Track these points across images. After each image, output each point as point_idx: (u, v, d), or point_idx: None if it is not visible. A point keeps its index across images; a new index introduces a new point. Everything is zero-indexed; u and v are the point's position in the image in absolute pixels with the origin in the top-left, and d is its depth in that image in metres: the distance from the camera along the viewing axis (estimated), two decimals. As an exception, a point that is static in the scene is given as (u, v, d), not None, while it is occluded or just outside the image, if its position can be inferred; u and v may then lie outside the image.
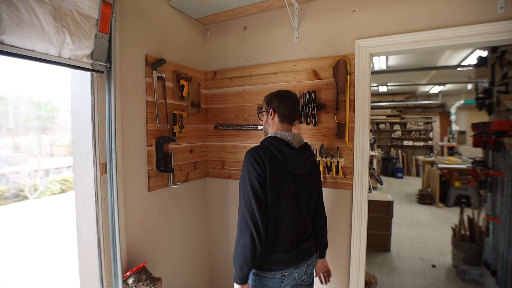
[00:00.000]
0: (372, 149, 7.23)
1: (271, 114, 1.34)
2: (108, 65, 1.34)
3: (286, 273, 1.23)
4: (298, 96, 1.79)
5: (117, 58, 1.41)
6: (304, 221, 1.30)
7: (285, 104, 1.31)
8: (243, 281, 1.17)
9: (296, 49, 1.86)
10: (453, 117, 7.82)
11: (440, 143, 8.38)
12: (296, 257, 1.25)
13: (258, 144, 1.29)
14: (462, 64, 5.02)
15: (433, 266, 3.11)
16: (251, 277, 1.23)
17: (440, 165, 5.51)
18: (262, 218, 1.14)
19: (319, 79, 1.78)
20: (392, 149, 9.65)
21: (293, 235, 1.24)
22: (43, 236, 4.47)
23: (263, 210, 1.15)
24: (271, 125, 1.36)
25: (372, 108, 7.18)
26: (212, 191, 2.23)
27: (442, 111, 8.82)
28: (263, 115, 1.40)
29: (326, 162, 1.75)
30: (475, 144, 2.71)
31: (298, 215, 1.27)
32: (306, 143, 1.37)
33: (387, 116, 9.56)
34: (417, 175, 9.04)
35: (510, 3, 1.34)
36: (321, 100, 1.78)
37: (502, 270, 2.32)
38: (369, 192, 1.76)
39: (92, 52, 1.26)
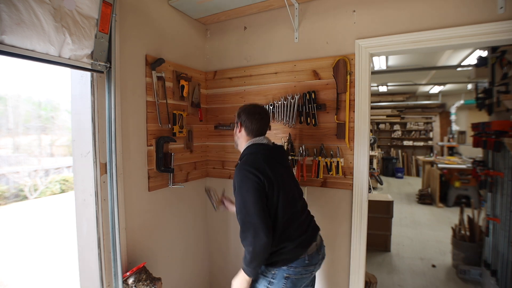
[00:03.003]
0: (372, 149, 7.23)
1: (238, 126, 1.42)
2: (108, 65, 1.33)
3: (314, 271, 1.32)
4: (298, 96, 1.80)
5: (117, 58, 1.41)
6: (302, 207, 1.40)
7: (251, 120, 1.37)
8: (254, 276, 1.24)
9: (296, 49, 1.86)
10: (453, 117, 7.82)
11: (440, 143, 8.38)
12: (307, 237, 1.31)
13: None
14: (462, 64, 5.01)
15: (433, 266, 3.11)
16: (282, 281, 1.24)
17: (440, 165, 5.51)
18: (269, 224, 1.18)
19: (319, 79, 1.78)
20: (392, 149, 9.65)
21: (301, 222, 1.32)
22: (43, 236, 4.47)
23: (268, 216, 1.19)
24: (239, 138, 1.44)
25: (372, 108, 7.19)
26: (212, 191, 2.23)
27: (442, 111, 8.82)
28: (235, 126, 1.47)
29: (326, 162, 1.75)
30: (475, 144, 2.71)
31: (296, 200, 1.35)
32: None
33: (387, 116, 9.55)
34: (417, 175, 9.04)
35: (510, 3, 1.34)
36: (321, 100, 1.78)
37: (502, 270, 2.32)
38: (369, 192, 1.76)
39: (92, 52, 1.26)
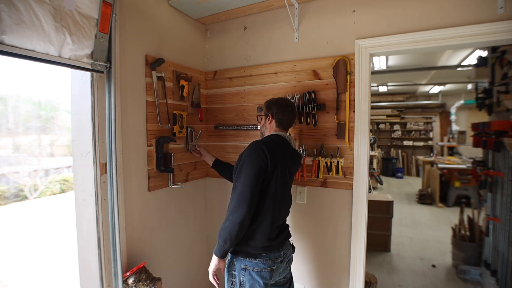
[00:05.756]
0: (372, 149, 7.23)
1: (269, 119, 1.48)
2: (108, 65, 1.33)
3: (274, 267, 1.31)
4: (298, 96, 1.80)
5: (117, 58, 1.41)
6: (287, 211, 1.45)
7: (283, 112, 1.45)
8: (223, 255, 1.25)
9: (296, 49, 1.86)
10: (453, 117, 7.82)
11: (440, 143, 8.39)
12: (281, 240, 1.37)
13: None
14: (462, 64, 5.02)
15: (433, 266, 3.11)
16: (240, 272, 1.29)
17: (440, 165, 5.51)
18: (255, 203, 1.23)
19: (319, 79, 1.78)
20: (392, 149, 9.65)
21: (279, 223, 1.37)
22: (43, 236, 4.47)
23: (257, 198, 1.24)
24: (268, 129, 1.50)
25: (372, 108, 7.19)
26: (212, 191, 2.23)
27: (442, 111, 8.82)
28: (261, 118, 1.53)
29: (326, 162, 1.75)
30: (475, 144, 2.71)
31: (285, 206, 1.42)
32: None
33: (387, 116, 9.56)
34: (417, 175, 9.04)
35: (510, 3, 1.34)
36: (321, 100, 1.78)
37: (502, 270, 2.32)
38: (369, 192, 1.76)
39: (92, 52, 1.26)
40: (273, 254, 1.32)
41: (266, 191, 1.28)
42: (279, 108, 1.44)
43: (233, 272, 1.31)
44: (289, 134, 1.63)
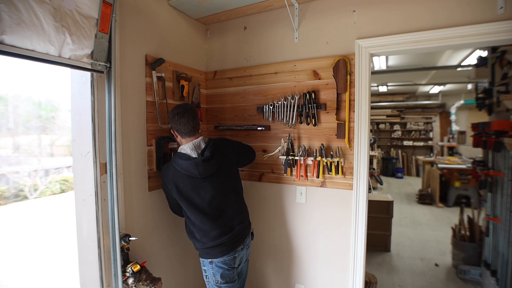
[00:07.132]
0: (372, 149, 7.23)
1: (175, 134, 1.54)
2: (108, 65, 1.33)
3: (236, 254, 1.50)
4: (298, 96, 1.80)
5: (117, 58, 1.41)
6: (229, 211, 1.52)
7: (177, 122, 1.45)
8: None
9: (296, 49, 1.86)
10: (453, 117, 7.82)
11: (440, 143, 8.38)
12: (233, 241, 1.49)
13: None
14: (462, 64, 5.01)
15: (436, 265, 3.11)
16: (208, 265, 1.48)
17: (440, 165, 5.51)
18: (174, 208, 1.60)
19: (319, 79, 1.78)
20: (392, 149, 9.65)
21: (221, 225, 1.47)
22: (43, 236, 4.47)
23: (176, 206, 1.56)
24: (178, 141, 1.57)
25: (372, 108, 7.19)
26: (212, 191, 2.23)
27: (442, 111, 8.82)
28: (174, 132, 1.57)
29: (326, 162, 1.75)
30: (475, 144, 2.71)
31: (221, 208, 1.49)
32: (211, 143, 1.50)
33: (387, 116, 9.56)
34: (417, 175, 9.04)
35: (510, 3, 1.34)
36: (321, 100, 1.78)
37: (502, 270, 2.32)
38: (369, 192, 1.76)
39: (92, 52, 1.26)
40: (233, 245, 1.48)
41: (181, 206, 1.48)
42: (173, 120, 1.46)
43: (204, 268, 1.51)
44: (210, 138, 1.56)
